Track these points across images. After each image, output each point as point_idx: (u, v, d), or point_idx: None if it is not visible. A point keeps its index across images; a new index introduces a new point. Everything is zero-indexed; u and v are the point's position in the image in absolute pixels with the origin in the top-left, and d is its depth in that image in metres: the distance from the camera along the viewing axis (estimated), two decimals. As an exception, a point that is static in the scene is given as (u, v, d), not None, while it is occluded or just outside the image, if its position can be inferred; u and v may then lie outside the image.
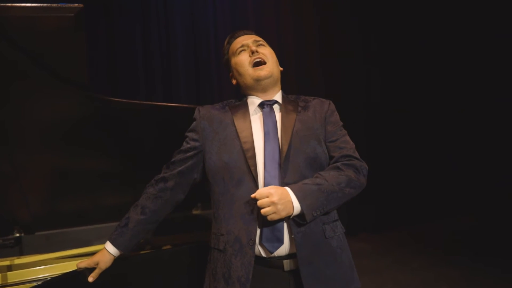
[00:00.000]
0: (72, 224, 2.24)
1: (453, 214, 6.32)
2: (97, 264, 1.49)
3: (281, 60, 1.69)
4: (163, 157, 1.62)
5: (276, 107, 1.59)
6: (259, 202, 1.32)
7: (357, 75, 6.17)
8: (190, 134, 1.60)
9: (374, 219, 6.01)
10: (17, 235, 2.15)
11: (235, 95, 1.71)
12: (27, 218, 2.11)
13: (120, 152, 2.12)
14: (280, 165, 1.43)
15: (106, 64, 4.63)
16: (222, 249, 1.44)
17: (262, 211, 1.32)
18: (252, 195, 1.35)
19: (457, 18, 6.37)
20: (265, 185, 1.40)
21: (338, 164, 1.48)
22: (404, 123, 6.32)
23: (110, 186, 2.24)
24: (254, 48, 1.59)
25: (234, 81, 1.70)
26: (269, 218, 1.32)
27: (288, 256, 1.41)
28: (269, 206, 1.31)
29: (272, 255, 1.40)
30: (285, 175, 1.42)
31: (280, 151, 1.45)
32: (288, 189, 1.36)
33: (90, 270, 1.50)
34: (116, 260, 1.53)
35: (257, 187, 1.40)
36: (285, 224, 1.39)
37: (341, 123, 1.63)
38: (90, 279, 1.48)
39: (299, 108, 1.58)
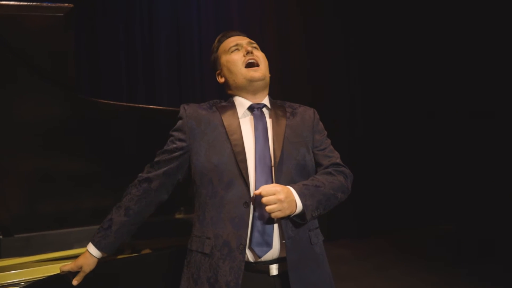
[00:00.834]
0: (53, 227, 2.20)
1: (433, 221, 6.43)
2: (81, 267, 1.47)
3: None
4: (145, 161, 1.59)
5: (265, 112, 1.59)
6: (265, 199, 1.31)
7: (342, 76, 6.27)
8: (176, 134, 1.55)
9: (354, 225, 6.06)
10: (-5, 237, 2.09)
11: (218, 96, 1.70)
12: (6, 220, 2.06)
13: (103, 154, 2.09)
14: (271, 169, 1.43)
15: (88, 65, 4.58)
16: (208, 253, 1.40)
17: (268, 208, 1.31)
18: (257, 192, 1.34)
19: (441, 18, 6.48)
20: (256, 188, 1.39)
21: (330, 169, 1.53)
22: (385, 128, 6.41)
23: (92, 189, 2.20)
24: (249, 48, 1.58)
25: (221, 80, 1.66)
26: (273, 215, 1.33)
27: (274, 261, 1.41)
28: (275, 203, 1.31)
29: (259, 260, 1.39)
30: (277, 180, 1.42)
31: (274, 156, 1.45)
32: (291, 188, 1.38)
33: (74, 273, 1.47)
34: (98, 264, 1.51)
35: (249, 191, 1.39)
36: (274, 229, 1.40)
37: (326, 132, 1.67)
38: (75, 282, 1.46)
39: (288, 114, 1.59)
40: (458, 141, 6.49)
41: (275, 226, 1.41)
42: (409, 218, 6.32)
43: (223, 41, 1.68)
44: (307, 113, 1.65)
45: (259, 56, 1.60)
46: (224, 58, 1.62)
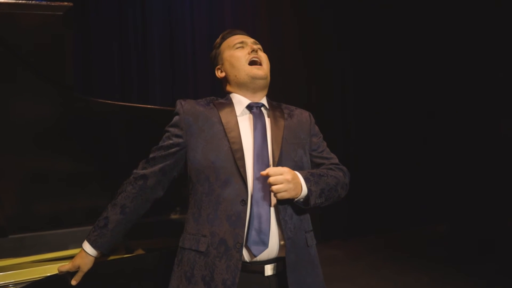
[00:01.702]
0: (48, 227, 2.18)
1: (425, 221, 6.47)
2: (79, 267, 1.46)
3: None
4: (141, 161, 1.58)
5: (264, 111, 1.58)
6: (272, 179, 1.32)
7: (336, 75, 6.31)
8: (172, 130, 1.52)
9: (346, 225, 6.08)
10: (-11, 237, 2.07)
11: (212, 94, 1.68)
12: (1, 221, 2.04)
13: (98, 154, 2.08)
14: (273, 167, 1.41)
15: (81, 64, 4.55)
16: (203, 251, 1.38)
17: (275, 187, 1.32)
18: (264, 172, 1.33)
19: (437, 17, 6.53)
20: (254, 186, 1.39)
21: (332, 166, 1.56)
22: (378, 129, 6.45)
23: (87, 189, 2.18)
24: (255, 47, 1.60)
25: (221, 74, 1.65)
26: (278, 196, 1.33)
27: (269, 261, 1.41)
28: (282, 183, 1.32)
29: (254, 259, 1.38)
30: None
31: (272, 156, 1.45)
32: (297, 172, 1.40)
33: (72, 273, 1.47)
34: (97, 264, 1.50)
35: (246, 189, 1.38)
36: (271, 228, 1.39)
37: (322, 135, 1.69)
38: (74, 282, 1.45)
39: (285, 115, 1.60)
40: (451, 141, 6.54)
41: (273, 225, 1.39)
42: (401, 218, 6.36)
43: (228, 37, 1.68)
44: (303, 116, 1.66)
45: (263, 56, 1.61)
46: (228, 53, 1.61)
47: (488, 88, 5.88)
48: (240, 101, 1.57)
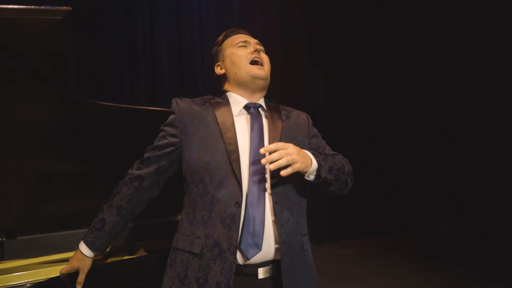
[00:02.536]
0: (55, 229, 2.20)
1: (436, 220, 6.42)
2: (78, 269, 1.48)
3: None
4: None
5: (261, 112, 1.56)
6: (284, 151, 1.30)
7: (343, 74, 6.28)
8: (168, 129, 1.50)
9: (356, 224, 6.05)
10: (-1, 239, 2.11)
11: (220, 94, 1.67)
12: (9, 223, 2.07)
13: (104, 156, 2.09)
14: (265, 170, 1.40)
15: (89, 65, 4.58)
16: (197, 253, 1.36)
17: (290, 158, 1.29)
18: (271, 146, 1.30)
19: (440, 19, 6.54)
20: (249, 188, 1.36)
21: (335, 156, 1.55)
22: (388, 128, 6.41)
23: (93, 191, 2.20)
24: (258, 47, 1.59)
25: (221, 71, 1.63)
26: (292, 167, 1.30)
27: (262, 264, 1.38)
28: (291, 155, 1.30)
29: (248, 262, 1.36)
30: (273, 183, 1.40)
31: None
32: (304, 150, 1.40)
33: (72, 275, 1.48)
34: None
35: (241, 190, 1.36)
36: (265, 231, 1.36)
37: (320, 135, 1.68)
38: (79, 286, 1.47)
39: (283, 117, 1.58)
40: (463, 139, 6.49)
41: (268, 228, 1.37)
42: (412, 217, 6.31)
43: (231, 35, 1.67)
44: (301, 117, 1.65)
45: (265, 58, 1.60)
46: (230, 51, 1.60)
47: (504, 85, 5.80)
48: (237, 100, 1.55)
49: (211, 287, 1.32)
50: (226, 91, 1.62)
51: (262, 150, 1.31)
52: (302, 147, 1.49)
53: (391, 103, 6.49)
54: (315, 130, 1.66)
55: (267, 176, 1.41)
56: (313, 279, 1.50)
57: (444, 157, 6.64)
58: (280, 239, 1.37)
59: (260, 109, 1.56)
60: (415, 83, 6.61)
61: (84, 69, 4.52)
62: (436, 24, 6.57)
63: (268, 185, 1.40)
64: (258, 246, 1.33)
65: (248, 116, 1.52)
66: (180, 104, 1.51)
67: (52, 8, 1.26)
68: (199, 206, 1.40)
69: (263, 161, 1.29)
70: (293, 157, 1.31)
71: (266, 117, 1.55)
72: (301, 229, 1.47)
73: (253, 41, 1.63)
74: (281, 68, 5.60)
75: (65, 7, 1.25)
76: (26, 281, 1.63)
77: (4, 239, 2.09)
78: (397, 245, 5.60)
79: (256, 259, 1.36)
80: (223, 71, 1.62)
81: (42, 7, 1.25)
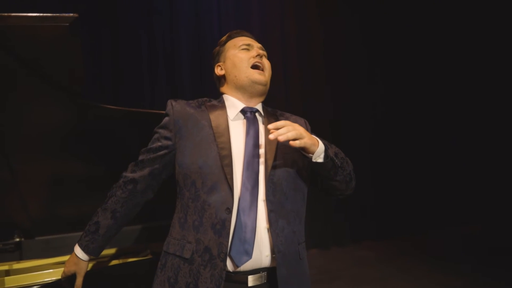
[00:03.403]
0: (72, 230, 2.25)
1: (456, 223, 6.29)
2: (75, 273, 1.49)
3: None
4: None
5: (258, 117, 1.53)
6: (291, 127, 1.28)
7: (362, 75, 6.20)
8: (161, 132, 1.48)
9: (377, 227, 5.99)
10: (17, 239, 2.17)
11: (218, 96, 1.65)
12: (27, 223, 2.13)
13: (118, 157, 2.13)
14: (258, 176, 1.37)
15: (110, 66, 4.63)
16: (188, 258, 1.34)
17: (298, 132, 1.28)
18: (280, 123, 1.29)
19: (459, 22, 6.41)
20: (241, 194, 1.33)
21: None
22: (407, 129, 6.32)
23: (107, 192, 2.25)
24: (261, 52, 1.56)
25: (221, 72, 1.61)
26: (302, 142, 1.28)
27: (253, 271, 1.35)
28: (299, 131, 1.29)
29: (238, 269, 1.33)
30: (267, 190, 1.37)
31: (265, 166, 1.40)
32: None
33: (70, 279, 1.49)
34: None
35: (232, 196, 1.33)
36: (257, 239, 1.33)
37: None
38: None
39: None
40: (485, 141, 6.35)
41: (260, 236, 1.34)
42: (433, 220, 6.21)
43: (235, 37, 1.64)
44: (298, 123, 1.56)
45: (266, 63, 1.57)
46: (232, 52, 1.57)
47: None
48: (233, 104, 1.53)
49: None
50: (223, 93, 1.60)
51: (270, 126, 1.29)
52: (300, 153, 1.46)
53: (414, 104, 6.38)
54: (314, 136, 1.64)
55: (262, 183, 1.38)
56: None
57: (464, 159, 6.50)
58: (276, 248, 1.34)
59: (257, 114, 1.53)
60: (432, 85, 6.47)
61: (106, 72, 4.58)
62: (456, 30, 6.45)
63: (262, 192, 1.37)
64: (249, 254, 1.30)
65: (244, 120, 1.49)
66: (175, 107, 1.49)
67: (59, 15, 1.29)
68: (190, 210, 1.38)
69: (271, 136, 1.27)
70: (301, 133, 1.29)
71: (263, 123, 1.52)
72: (298, 238, 1.44)
73: (256, 45, 1.61)
74: (299, 68, 5.60)
75: (71, 14, 1.28)
76: (43, 280, 1.67)
77: (22, 239, 2.16)
78: (417, 248, 5.50)
79: (246, 266, 1.33)
80: (223, 72, 1.60)
81: (50, 14, 1.28)
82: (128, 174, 1.49)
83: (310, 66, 5.76)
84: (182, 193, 1.43)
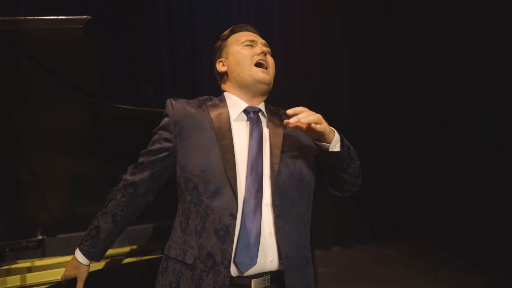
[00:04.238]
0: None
1: (478, 222, 6.17)
2: (75, 277, 1.46)
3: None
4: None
5: (261, 118, 1.47)
6: (310, 112, 1.25)
7: (383, 75, 6.11)
8: (161, 133, 1.41)
9: (400, 226, 5.91)
10: (40, 237, 2.22)
11: (219, 93, 1.58)
12: (49, 221, 2.19)
13: (134, 156, 2.16)
14: (262, 179, 1.33)
15: (134, 73, 4.68)
16: (190, 263, 1.30)
17: (317, 117, 1.25)
18: (299, 108, 1.26)
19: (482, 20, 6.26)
20: (245, 199, 1.29)
21: None
22: (432, 128, 6.21)
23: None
24: (265, 49, 1.47)
25: (223, 68, 1.52)
26: (320, 127, 1.25)
27: (256, 275, 1.31)
28: (322, 121, 1.26)
29: (242, 275, 1.30)
30: (273, 193, 1.33)
31: (271, 168, 1.35)
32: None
33: (71, 282, 1.48)
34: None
35: (236, 201, 1.28)
36: (261, 244, 1.29)
37: None
38: None
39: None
40: (506, 139, 6.20)
41: (263, 241, 1.30)
42: (457, 219, 6.09)
43: (238, 31, 1.55)
44: None
45: (270, 61, 1.50)
46: (235, 48, 1.49)
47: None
48: (236, 103, 1.46)
49: None
50: (224, 91, 1.53)
51: (290, 111, 1.25)
52: (309, 150, 1.44)
53: (436, 103, 6.28)
54: None
55: (267, 187, 1.34)
56: None
57: (488, 158, 6.36)
58: (283, 254, 1.31)
59: (260, 114, 1.47)
60: (456, 83, 6.34)
61: (129, 72, 4.63)
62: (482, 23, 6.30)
63: (267, 196, 1.33)
64: (253, 260, 1.27)
65: (248, 121, 1.43)
66: (175, 106, 1.42)
67: (73, 17, 1.31)
68: (192, 215, 1.33)
69: (292, 120, 1.23)
70: (321, 118, 1.25)
71: (266, 123, 1.46)
72: (304, 241, 1.40)
73: (260, 41, 1.52)
74: (320, 66, 5.55)
75: (85, 16, 1.30)
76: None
77: (45, 237, 2.22)
78: (441, 247, 5.40)
79: (250, 271, 1.29)
80: (225, 68, 1.51)
81: (64, 17, 1.31)
82: (128, 177, 1.43)
83: (329, 62, 5.72)
84: (183, 197, 1.37)
